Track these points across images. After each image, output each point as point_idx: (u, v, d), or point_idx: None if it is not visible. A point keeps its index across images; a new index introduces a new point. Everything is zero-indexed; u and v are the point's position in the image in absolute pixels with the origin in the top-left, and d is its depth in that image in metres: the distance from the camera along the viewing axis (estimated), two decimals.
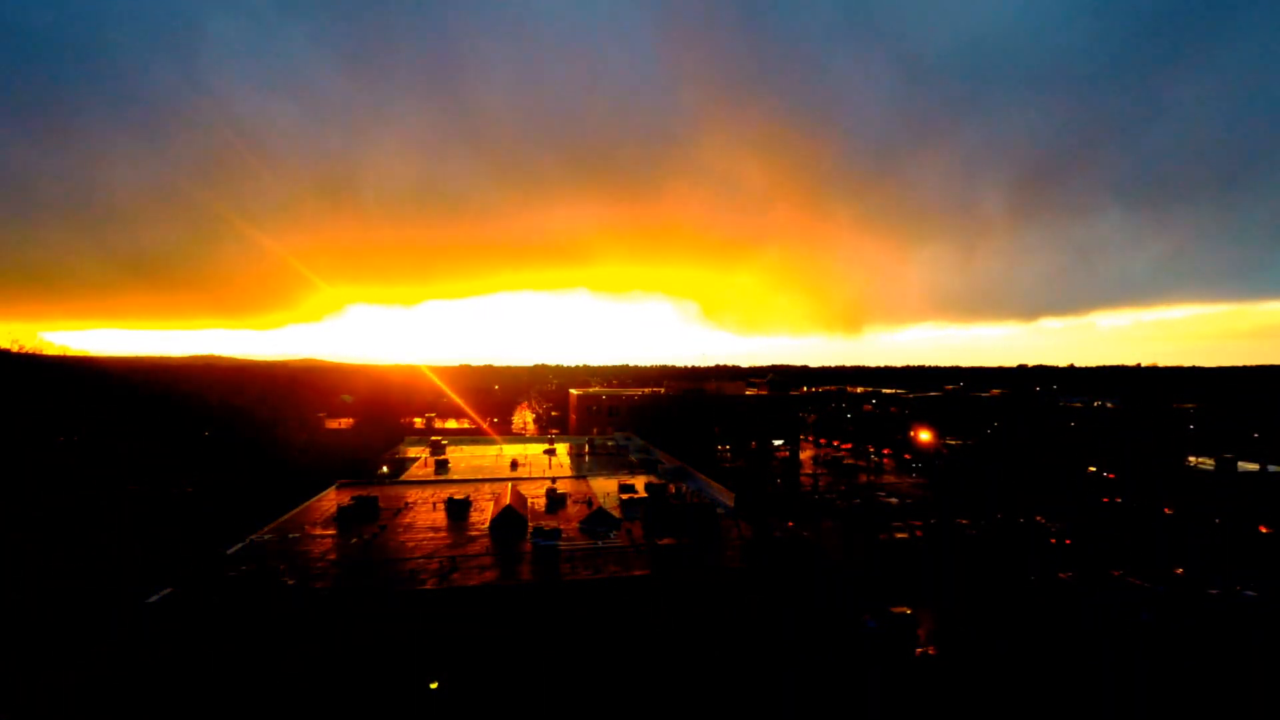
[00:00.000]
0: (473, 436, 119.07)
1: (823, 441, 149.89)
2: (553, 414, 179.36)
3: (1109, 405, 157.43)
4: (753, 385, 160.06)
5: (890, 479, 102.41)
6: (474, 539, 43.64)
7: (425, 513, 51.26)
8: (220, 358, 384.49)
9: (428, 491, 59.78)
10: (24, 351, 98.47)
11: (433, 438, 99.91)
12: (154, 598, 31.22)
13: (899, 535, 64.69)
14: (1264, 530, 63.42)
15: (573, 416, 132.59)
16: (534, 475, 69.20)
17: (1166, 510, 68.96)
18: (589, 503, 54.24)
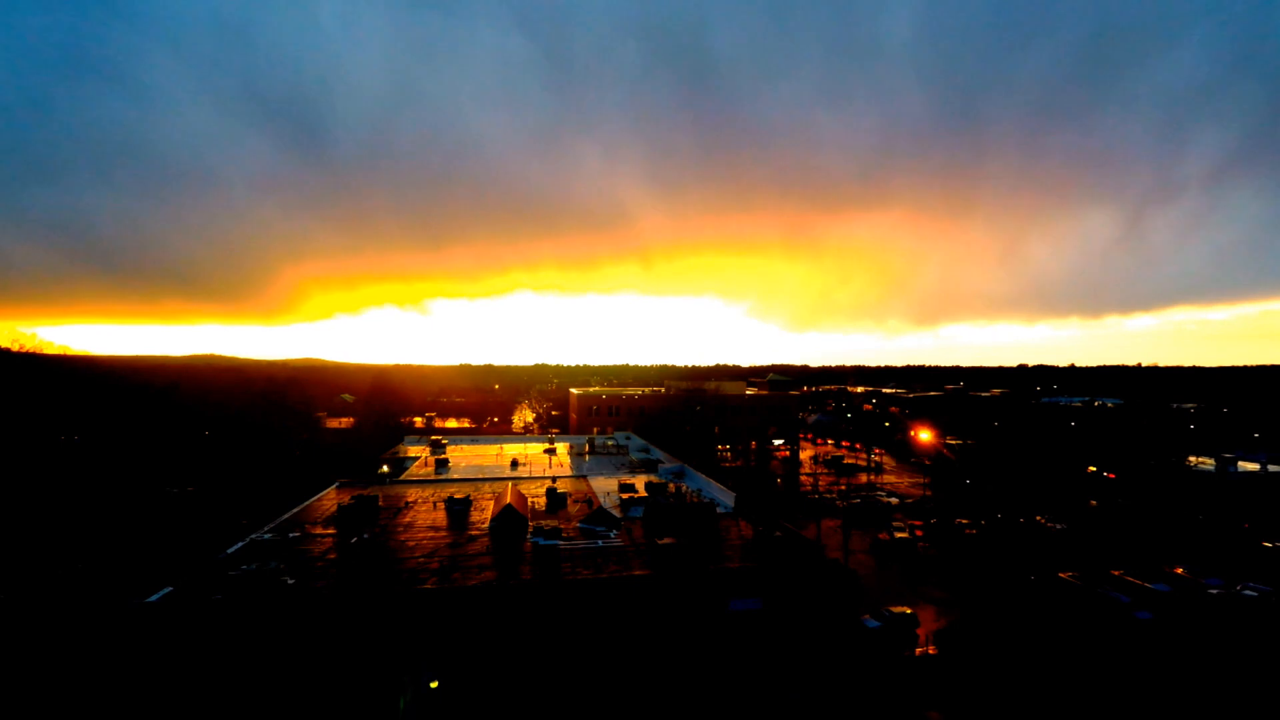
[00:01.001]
0: (473, 436, 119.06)
1: (823, 441, 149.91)
2: (553, 413, 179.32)
3: (1109, 405, 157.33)
4: (753, 385, 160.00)
5: (890, 479, 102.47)
6: (474, 539, 43.62)
7: (425, 512, 51.24)
8: (220, 358, 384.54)
9: (428, 491, 59.76)
10: (24, 351, 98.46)
11: (433, 437, 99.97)
12: (154, 598, 31.22)
13: (899, 535, 64.73)
14: (1263, 529, 63.37)
15: (573, 416, 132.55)
16: (534, 474, 69.15)
17: (1166, 510, 68.94)
18: (589, 502, 54.22)
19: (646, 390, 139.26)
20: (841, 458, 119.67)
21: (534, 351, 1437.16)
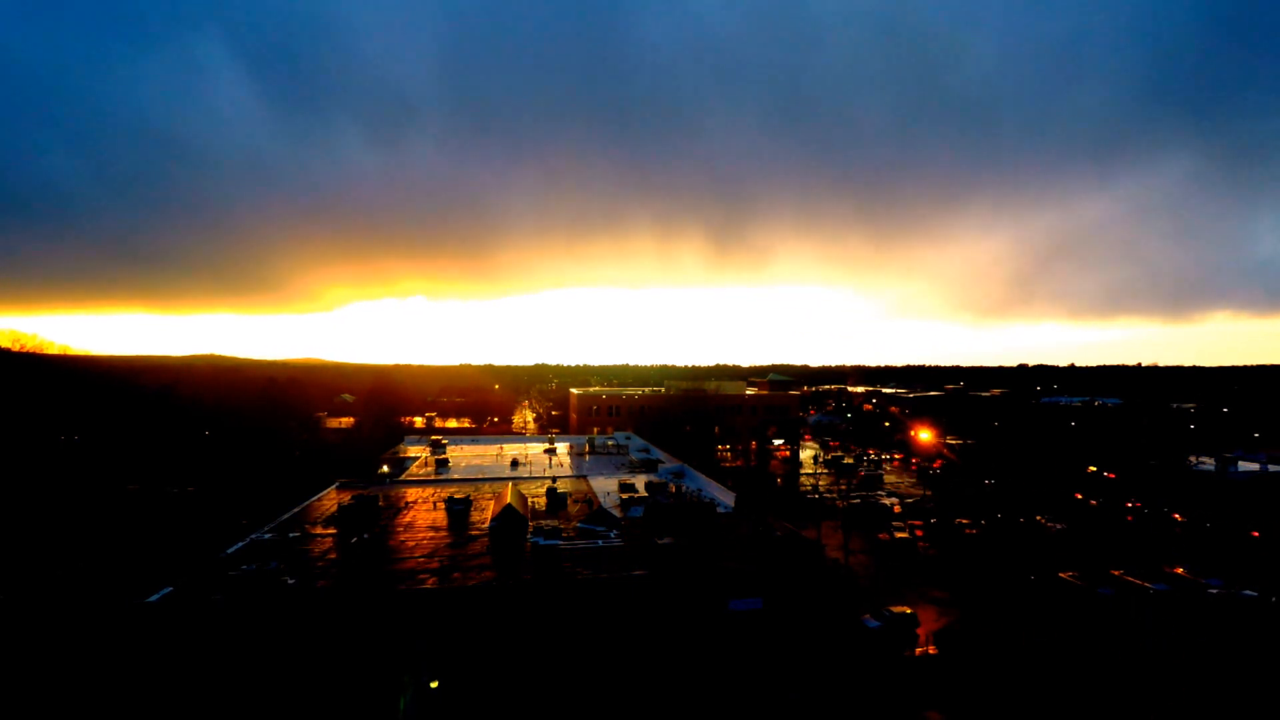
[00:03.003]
0: (473, 436, 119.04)
1: (828, 440, 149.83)
2: (553, 413, 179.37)
3: (1109, 405, 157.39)
4: (753, 385, 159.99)
5: (890, 479, 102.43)
6: (474, 539, 43.63)
7: (425, 512, 51.25)
8: (220, 357, 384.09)
9: (428, 491, 59.77)
10: (24, 351, 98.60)
11: (433, 437, 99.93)
12: (154, 598, 31.22)
13: (899, 535, 64.70)
14: (1265, 535, 63.36)
15: (573, 416, 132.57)
16: (534, 474, 69.18)
17: (1167, 510, 68.92)
18: (589, 502, 54.23)
19: (646, 390, 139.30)
20: (841, 458, 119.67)
21: (534, 351, 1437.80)
